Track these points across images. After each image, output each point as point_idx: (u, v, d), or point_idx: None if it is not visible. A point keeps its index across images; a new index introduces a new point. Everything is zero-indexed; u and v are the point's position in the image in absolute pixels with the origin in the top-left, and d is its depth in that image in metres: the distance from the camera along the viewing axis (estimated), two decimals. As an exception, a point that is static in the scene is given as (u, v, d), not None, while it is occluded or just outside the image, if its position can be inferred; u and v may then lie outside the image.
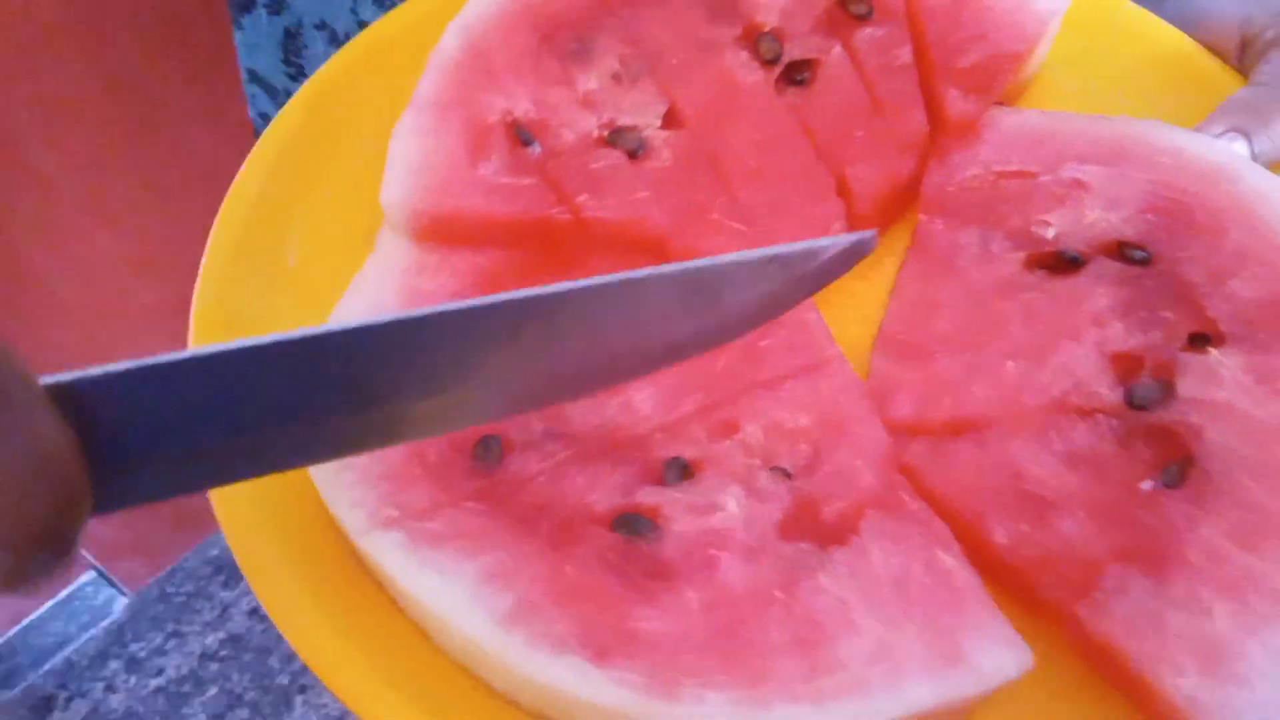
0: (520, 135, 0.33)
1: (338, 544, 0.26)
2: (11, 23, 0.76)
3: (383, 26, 0.37)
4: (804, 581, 0.23)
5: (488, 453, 0.26)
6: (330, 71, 0.35)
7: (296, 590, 0.25)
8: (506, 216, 0.31)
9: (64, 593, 1.22)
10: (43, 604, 1.21)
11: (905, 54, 0.34)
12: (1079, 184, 0.30)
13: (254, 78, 0.58)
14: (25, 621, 1.21)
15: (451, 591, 0.23)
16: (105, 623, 1.25)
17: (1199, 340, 0.26)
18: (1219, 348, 0.26)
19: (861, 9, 0.35)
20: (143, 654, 1.22)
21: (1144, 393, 0.25)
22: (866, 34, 0.35)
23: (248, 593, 1.29)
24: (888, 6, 0.35)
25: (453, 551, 0.24)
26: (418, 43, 0.34)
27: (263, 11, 0.54)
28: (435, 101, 0.33)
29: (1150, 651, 0.21)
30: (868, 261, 0.32)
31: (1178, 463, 0.24)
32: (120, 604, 1.27)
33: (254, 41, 0.56)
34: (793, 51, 0.35)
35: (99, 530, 1.16)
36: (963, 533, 0.25)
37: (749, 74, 0.34)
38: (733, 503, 0.25)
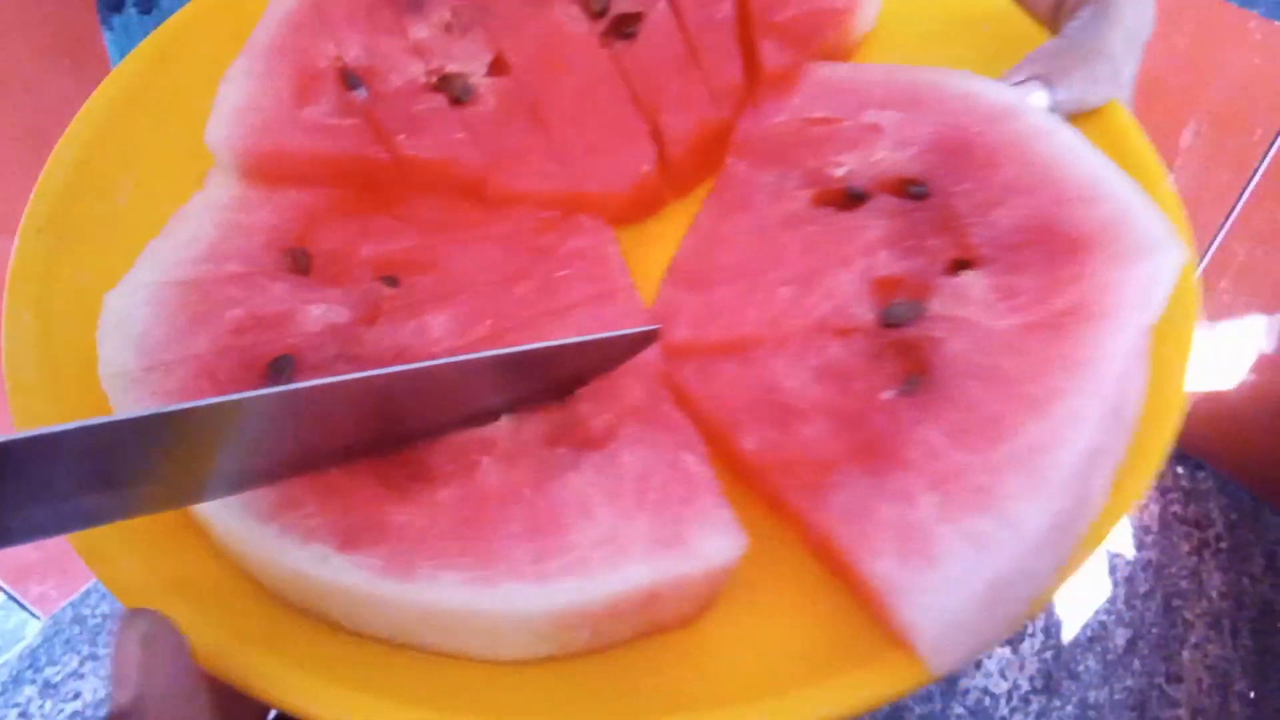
0: (348, 80, 0.34)
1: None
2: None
3: None
4: (553, 480, 0.24)
5: (279, 373, 0.27)
6: (178, 21, 0.36)
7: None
8: (327, 154, 0.32)
9: None
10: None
11: (726, 8, 0.35)
12: (874, 128, 0.32)
13: None
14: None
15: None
16: (18, 647, 1.21)
17: (958, 265, 0.28)
18: (973, 270, 0.27)
19: (687, -36, 0.36)
20: (58, 678, 1.19)
21: (897, 312, 0.26)
22: (690, -12, 0.36)
23: None
24: (714, -37, 0.36)
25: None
26: (250, 10, 0.35)
27: (133, 11, 0.55)
28: (269, 47, 0.34)
29: (855, 537, 0.22)
30: (677, 203, 0.34)
31: (917, 374, 0.25)
32: (34, 628, 1.23)
33: (124, 42, 0.56)
34: (620, 5, 0.36)
35: (7, 553, 1.14)
36: (719, 441, 0.26)
37: (576, 26, 0.35)
38: (504, 421, 0.26)
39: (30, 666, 1.21)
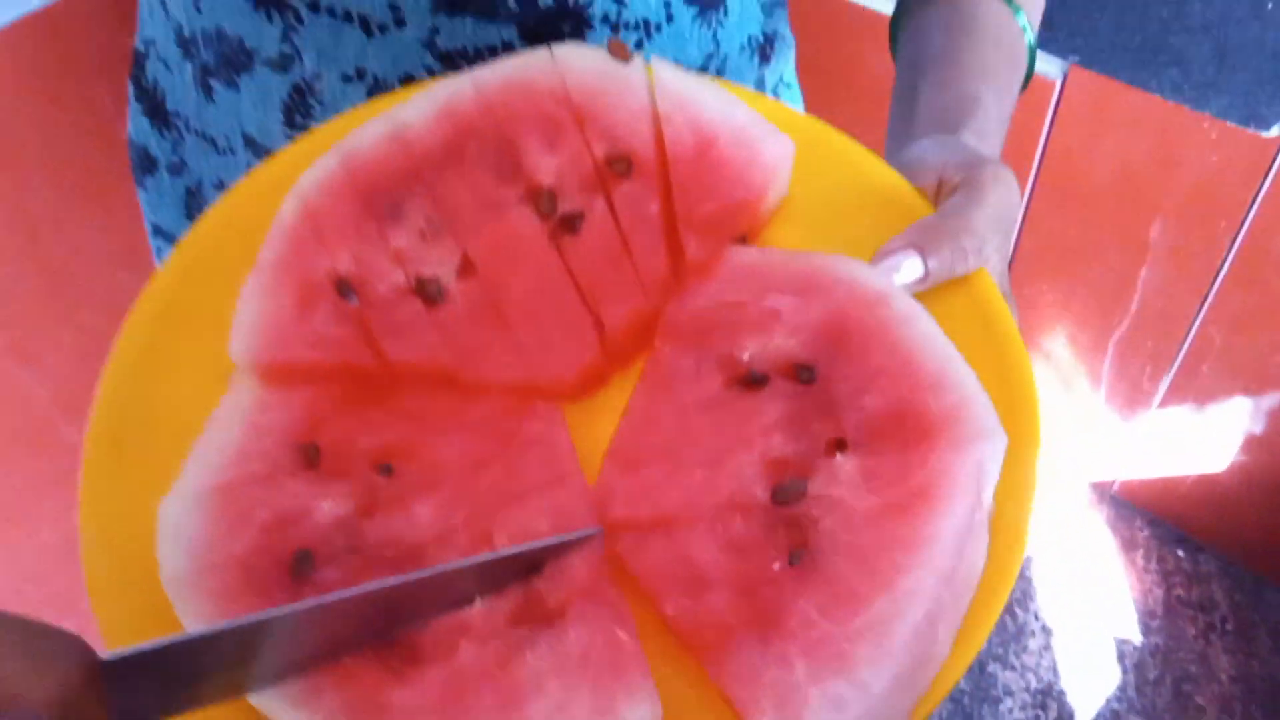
0: (341, 289, 0.40)
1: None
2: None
3: (236, 194, 0.44)
4: (515, 658, 0.31)
5: (302, 568, 0.34)
6: (194, 238, 0.43)
7: None
8: (327, 364, 0.39)
9: None
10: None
11: (654, 205, 0.42)
12: (774, 313, 0.38)
13: (158, 231, 0.65)
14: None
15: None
16: None
17: (836, 446, 0.34)
18: (845, 453, 0.33)
19: (621, 167, 0.43)
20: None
21: (784, 491, 0.33)
22: (624, 189, 0.42)
23: None
24: (644, 164, 0.43)
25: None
26: (271, 204, 0.41)
27: (165, 174, 0.61)
28: (273, 264, 0.40)
29: (746, 697, 0.29)
30: (616, 383, 0.40)
31: (799, 548, 0.32)
32: None
33: (156, 200, 0.63)
34: (566, 205, 0.42)
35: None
36: (650, 606, 0.32)
37: (529, 226, 0.42)
38: (479, 601, 0.33)
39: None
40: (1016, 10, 0.52)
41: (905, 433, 0.33)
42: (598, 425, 0.39)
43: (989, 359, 0.36)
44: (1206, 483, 1.32)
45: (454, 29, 0.49)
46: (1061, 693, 1.27)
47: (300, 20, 0.49)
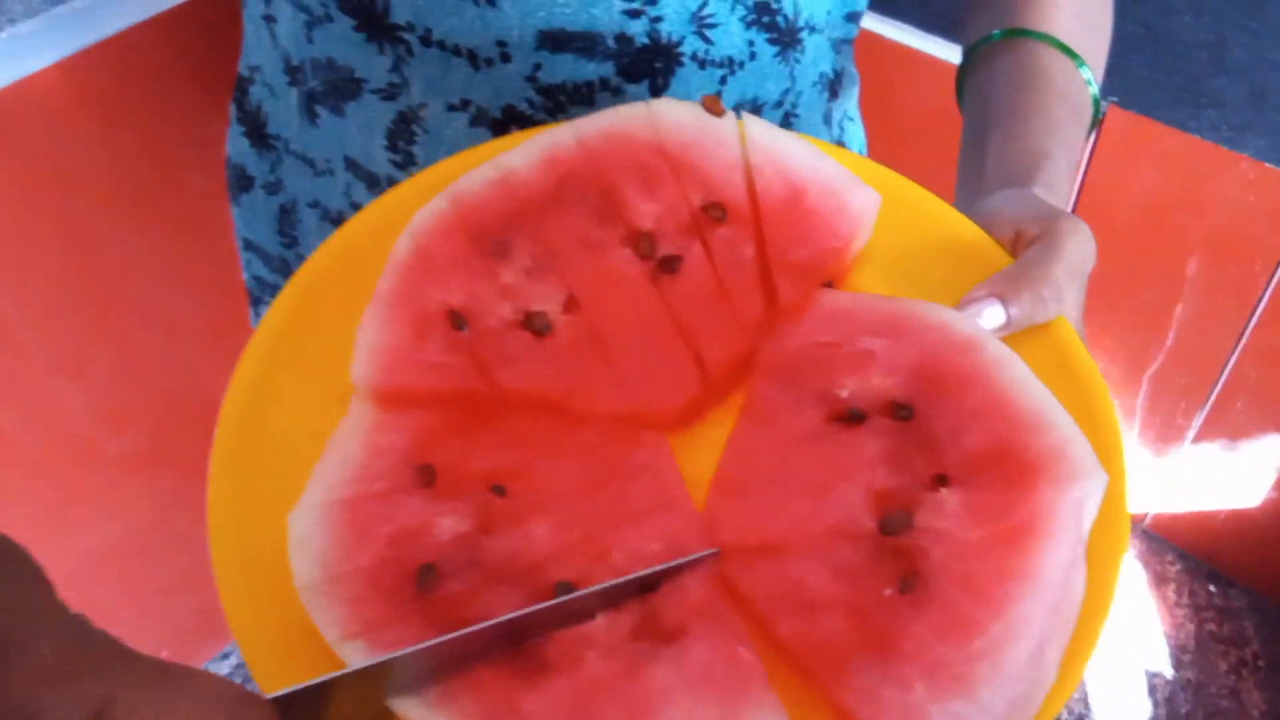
0: (454, 320, 0.42)
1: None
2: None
3: (350, 228, 0.46)
4: (641, 671, 0.32)
5: (426, 581, 0.35)
6: (308, 270, 0.45)
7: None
8: (442, 390, 0.40)
9: None
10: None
11: (749, 250, 0.44)
12: (869, 354, 0.40)
13: (249, 245, 0.67)
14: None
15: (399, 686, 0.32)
16: None
17: (938, 481, 0.36)
18: (948, 488, 0.35)
19: (717, 213, 0.45)
20: None
21: (892, 523, 0.34)
22: (720, 233, 0.44)
23: None
24: (739, 211, 0.45)
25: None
26: (381, 240, 0.43)
27: (260, 192, 0.64)
28: (390, 297, 0.42)
29: (869, 715, 0.30)
30: (714, 417, 0.42)
31: (909, 576, 0.33)
32: None
33: (250, 216, 0.65)
34: (665, 248, 0.44)
35: None
36: (761, 627, 0.34)
37: (630, 267, 0.44)
38: (600, 616, 0.34)
39: None
40: (1081, 64, 0.55)
41: (1007, 470, 0.35)
42: (699, 455, 0.40)
43: (1074, 402, 0.38)
44: (1239, 518, 1.32)
45: (555, 65, 0.52)
46: None
47: (411, 53, 0.52)
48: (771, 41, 0.55)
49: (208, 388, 1.16)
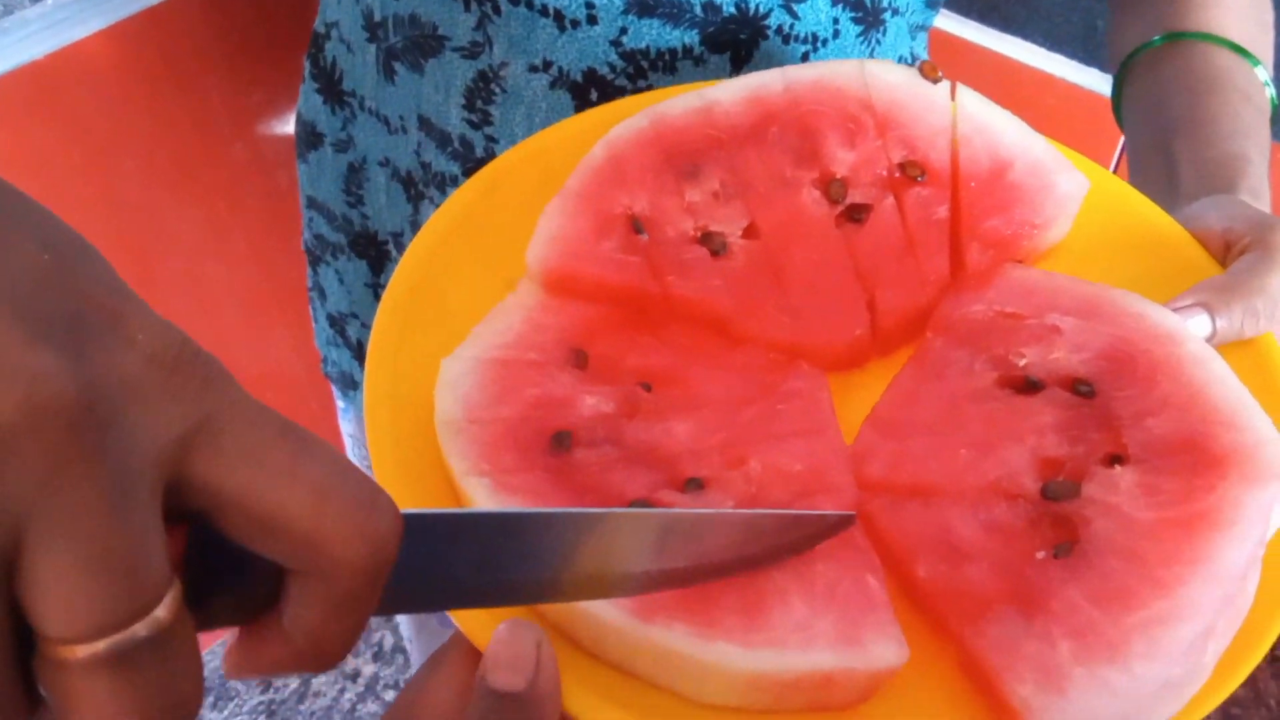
0: (635, 226, 0.41)
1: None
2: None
3: (548, 134, 0.46)
4: (761, 574, 0.30)
5: (560, 443, 0.34)
6: (498, 165, 0.45)
7: None
8: (613, 282, 0.39)
9: None
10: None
11: (943, 211, 0.42)
12: (1055, 329, 0.37)
13: (312, 204, 0.66)
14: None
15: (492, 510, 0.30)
16: None
17: (1113, 460, 0.32)
18: (1124, 466, 0.32)
19: (915, 172, 0.43)
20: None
21: (1056, 489, 0.31)
22: (915, 192, 0.42)
23: (236, 714, 1.30)
24: (938, 174, 0.43)
25: (520, 499, 0.31)
26: (563, 155, 0.43)
27: (329, 149, 0.63)
28: (579, 192, 0.42)
29: (1004, 664, 0.27)
30: (875, 367, 0.39)
31: (1068, 542, 0.30)
32: None
33: (316, 173, 0.64)
34: (855, 196, 0.43)
35: None
36: (899, 566, 0.31)
37: (817, 208, 0.42)
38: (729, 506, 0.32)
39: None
40: (1256, 63, 0.50)
41: (1193, 459, 0.31)
42: (855, 398, 0.38)
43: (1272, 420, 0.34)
44: None
45: (641, 30, 0.50)
46: None
47: (498, 11, 0.51)
48: (856, 20, 0.52)
49: (241, 365, 1.18)
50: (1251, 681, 1.25)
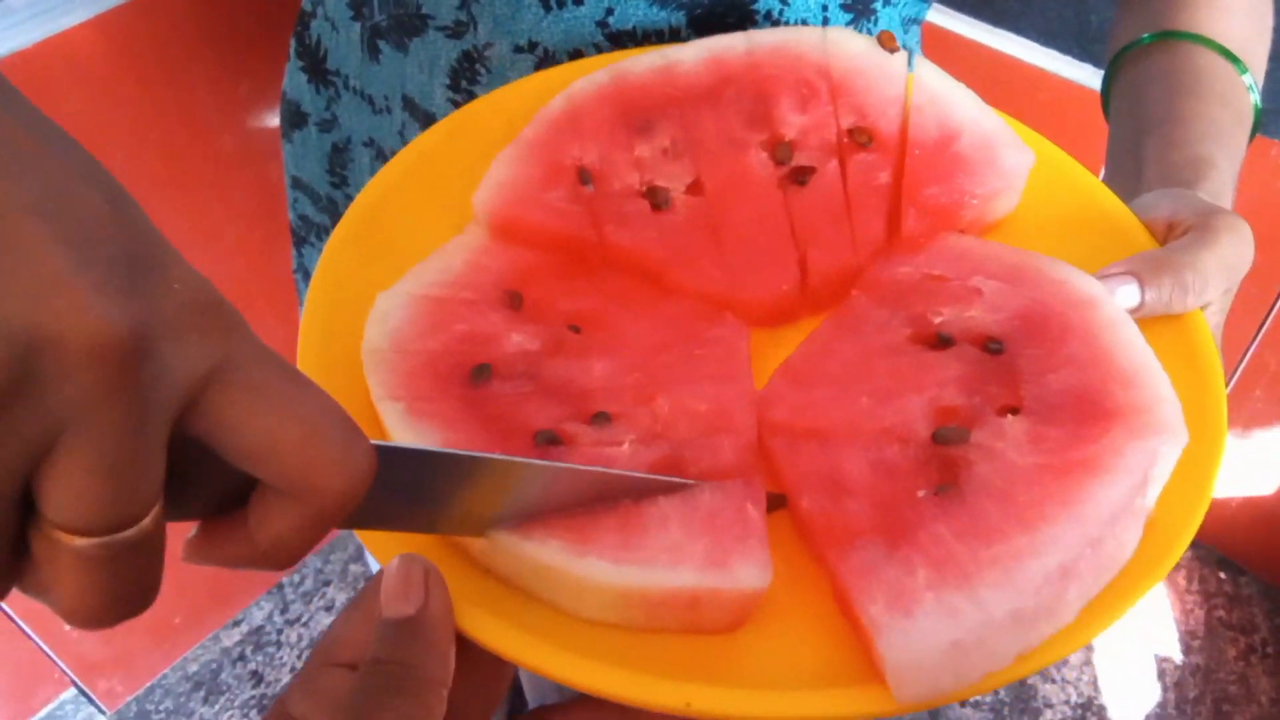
0: (582, 176, 0.43)
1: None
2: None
3: (504, 91, 0.48)
4: (649, 498, 0.31)
5: (478, 376, 0.36)
6: (460, 116, 0.47)
7: None
8: (553, 229, 0.41)
9: (44, 711, 1.23)
10: (25, 720, 1.22)
11: (884, 177, 0.43)
12: (976, 291, 0.38)
13: (297, 184, 0.67)
14: (8, 738, 1.22)
15: (421, 446, 0.32)
16: None
17: (1008, 411, 0.33)
18: (1015, 415, 0.33)
19: (863, 138, 0.44)
20: (122, 771, 1.22)
21: (946, 434, 0.33)
22: (860, 157, 0.44)
23: (228, 708, 1.32)
24: (885, 141, 0.44)
25: (430, 424, 0.33)
26: (527, 106, 0.45)
27: (313, 129, 0.64)
28: (532, 141, 0.44)
29: (861, 586, 0.28)
30: (804, 325, 0.40)
31: (947, 483, 0.31)
32: None
33: (300, 153, 0.65)
34: (801, 159, 0.44)
35: (79, 647, 1.19)
36: (790, 501, 0.33)
37: (762, 169, 0.44)
38: (627, 444, 0.34)
39: (95, 761, 1.24)
40: (1243, 69, 0.50)
41: (1083, 412, 0.32)
42: (775, 352, 0.39)
43: (1188, 395, 0.35)
44: (1252, 506, 1.29)
45: (627, 10, 0.51)
46: (1102, 707, 1.26)
47: None
48: (846, 9, 0.53)
49: None
50: (1243, 678, 1.26)
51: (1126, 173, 0.49)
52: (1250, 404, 1.22)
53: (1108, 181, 0.50)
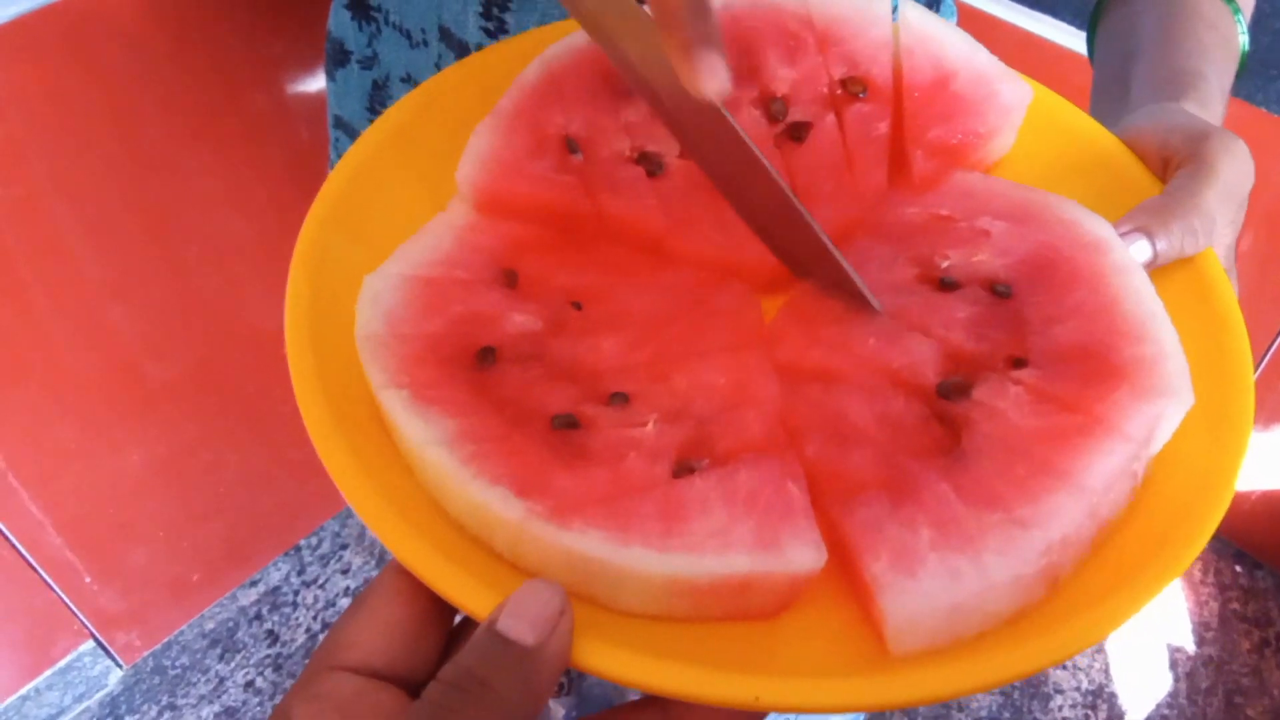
0: (570, 145, 0.46)
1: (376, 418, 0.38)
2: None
3: (483, 55, 0.50)
4: (684, 479, 0.34)
5: (484, 359, 0.39)
6: (435, 83, 0.49)
7: (342, 446, 0.36)
8: (543, 201, 0.44)
9: (62, 662, 1.30)
10: (40, 673, 1.29)
11: (883, 127, 0.46)
12: (984, 232, 0.41)
13: (339, 123, 0.72)
14: (22, 691, 1.28)
15: (431, 435, 0.35)
16: (100, 694, 1.32)
17: (1014, 363, 0.37)
18: (1020, 370, 0.36)
19: (857, 88, 0.47)
20: (136, 727, 1.31)
21: (948, 387, 0.36)
22: (856, 108, 0.46)
23: (243, 666, 1.39)
24: (880, 89, 0.47)
25: (439, 411, 0.36)
26: (501, 73, 0.47)
27: (355, 66, 0.68)
28: (511, 111, 0.46)
29: (864, 543, 0.32)
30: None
31: (951, 445, 0.35)
32: (116, 676, 1.34)
33: (343, 91, 0.70)
34: (795, 114, 0.47)
35: (98, 600, 1.26)
36: (793, 445, 0.36)
37: (757, 127, 0.46)
38: (651, 424, 0.36)
39: (111, 714, 1.33)
40: (1236, 11, 0.53)
41: (1088, 369, 0.35)
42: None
43: (1207, 335, 0.38)
44: (1270, 500, 1.36)
45: None
46: (1113, 695, 1.34)
47: None
48: None
49: (253, 319, 1.26)
50: (1255, 670, 1.34)
51: (1114, 98, 0.53)
52: (1271, 397, 1.26)
53: (1094, 113, 0.52)
